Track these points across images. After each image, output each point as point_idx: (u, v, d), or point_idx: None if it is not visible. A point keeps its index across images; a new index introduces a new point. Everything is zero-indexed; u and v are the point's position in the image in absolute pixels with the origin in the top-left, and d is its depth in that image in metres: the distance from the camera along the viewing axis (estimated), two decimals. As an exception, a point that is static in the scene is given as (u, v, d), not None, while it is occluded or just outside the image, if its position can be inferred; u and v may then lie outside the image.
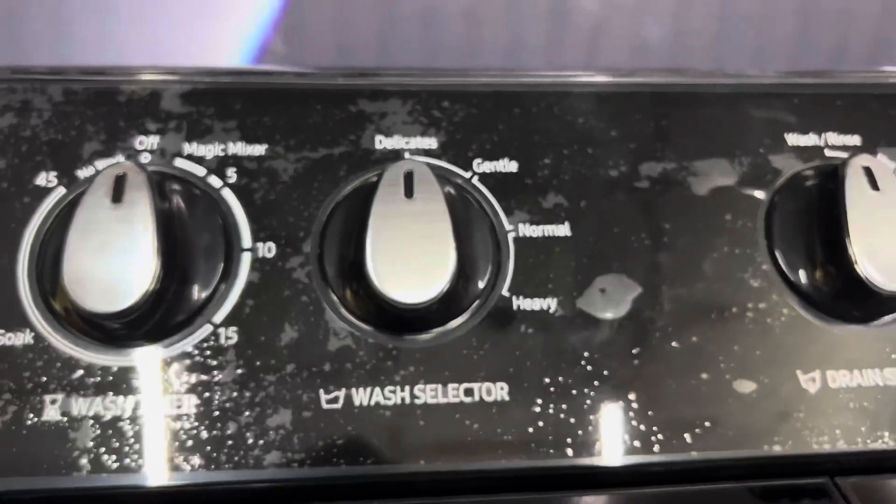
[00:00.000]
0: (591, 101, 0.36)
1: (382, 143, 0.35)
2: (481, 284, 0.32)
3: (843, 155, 0.36)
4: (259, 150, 0.34)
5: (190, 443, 0.30)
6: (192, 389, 0.30)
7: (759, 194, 0.35)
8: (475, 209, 0.34)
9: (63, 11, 0.50)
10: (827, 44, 0.46)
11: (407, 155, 0.35)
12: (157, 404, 0.30)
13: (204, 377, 0.30)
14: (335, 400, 0.30)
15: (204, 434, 0.30)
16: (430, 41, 0.48)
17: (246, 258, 0.32)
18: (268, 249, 0.32)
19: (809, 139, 0.37)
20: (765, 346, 0.32)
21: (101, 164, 0.33)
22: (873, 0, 0.49)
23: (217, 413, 0.30)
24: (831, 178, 0.34)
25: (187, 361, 0.31)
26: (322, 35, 0.52)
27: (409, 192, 0.31)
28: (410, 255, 0.30)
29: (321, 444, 0.30)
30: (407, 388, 0.31)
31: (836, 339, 0.33)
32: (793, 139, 0.37)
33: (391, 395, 0.31)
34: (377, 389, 0.31)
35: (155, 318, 0.30)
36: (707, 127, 0.36)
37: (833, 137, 0.37)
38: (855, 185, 0.33)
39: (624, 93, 0.37)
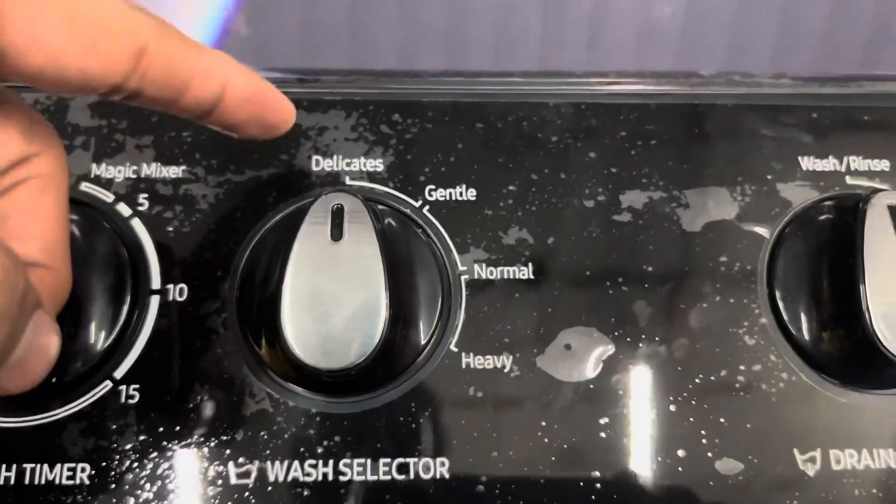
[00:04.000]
0: (568, 114, 0.31)
1: (320, 163, 0.30)
2: (425, 338, 0.28)
3: (868, 184, 0.31)
4: (175, 171, 0.30)
5: (81, 520, 0.26)
6: (87, 457, 0.26)
7: (763, 231, 0.30)
8: (423, 246, 0.29)
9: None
10: (859, 43, 0.40)
11: (347, 179, 0.30)
12: (47, 474, 0.26)
13: (101, 443, 0.27)
14: (246, 474, 0.26)
15: (98, 510, 0.26)
16: (408, 40, 0.42)
17: (154, 302, 0.28)
18: (179, 292, 0.28)
19: (828, 163, 0.31)
20: (757, 417, 0.28)
21: (-5, 187, 0.29)
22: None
23: (114, 486, 0.26)
24: (850, 213, 0.29)
25: (83, 423, 0.27)
26: (289, 12, 0.46)
27: (336, 232, 0.27)
28: (333, 310, 0.25)
29: (228, 527, 0.26)
30: (331, 462, 0.26)
31: (843, 411, 0.28)
32: (807, 163, 0.31)
33: (311, 471, 0.26)
34: (296, 463, 0.26)
35: (44, 373, 0.26)
36: (704, 148, 0.31)
37: (857, 162, 0.31)
38: (877, 227, 0.27)
39: (606, 104, 0.31)
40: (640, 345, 0.28)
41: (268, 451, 0.26)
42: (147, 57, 0.21)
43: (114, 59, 0.20)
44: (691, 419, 0.27)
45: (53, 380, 0.27)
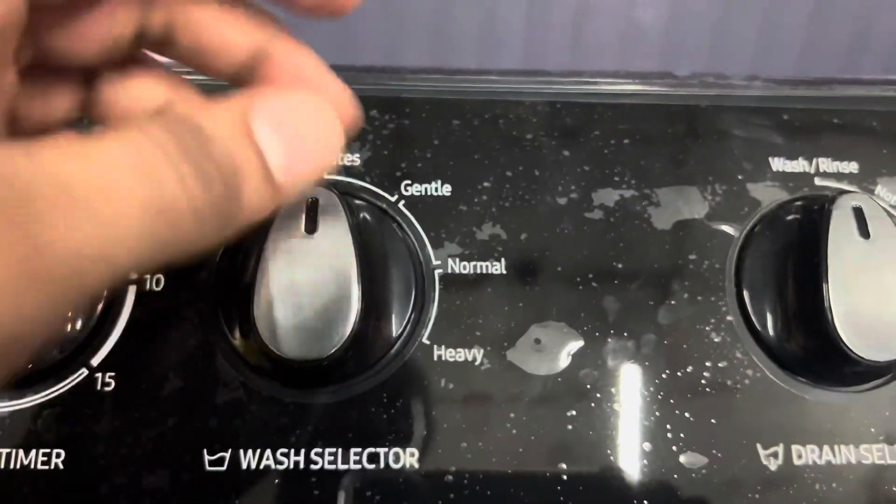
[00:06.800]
0: (544, 112, 0.32)
1: (298, 157, 0.30)
2: (397, 330, 0.28)
3: (836, 185, 0.31)
4: (155, 163, 0.30)
5: (56, 504, 0.26)
6: (63, 443, 0.27)
7: (731, 230, 0.30)
8: (398, 240, 0.29)
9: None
10: (839, 49, 0.40)
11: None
12: (22, 458, 0.27)
13: (77, 429, 0.27)
14: (220, 461, 0.27)
15: (73, 495, 0.26)
16: (393, 36, 0.43)
17: (131, 291, 0.28)
18: (155, 282, 0.29)
19: (798, 165, 0.31)
20: (722, 413, 0.28)
21: None
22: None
23: (88, 471, 0.27)
24: (817, 214, 0.29)
25: (59, 409, 0.27)
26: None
27: (310, 226, 0.27)
28: (306, 302, 0.26)
29: (200, 512, 0.26)
30: (302, 450, 0.27)
31: (806, 407, 0.28)
32: (778, 164, 0.31)
33: (283, 459, 0.27)
34: (268, 451, 0.27)
35: (21, 360, 0.27)
36: (677, 147, 0.31)
37: (825, 164, 0.31)
38: (841, 229, 0.28)
39: (582, 103, 0.32)
40: (609, 340, 0.29)
41: (241, 439, 0.27)
42: None
43: None
44: (657, 413, 0.28)
45: (30, 366, 0.27)
